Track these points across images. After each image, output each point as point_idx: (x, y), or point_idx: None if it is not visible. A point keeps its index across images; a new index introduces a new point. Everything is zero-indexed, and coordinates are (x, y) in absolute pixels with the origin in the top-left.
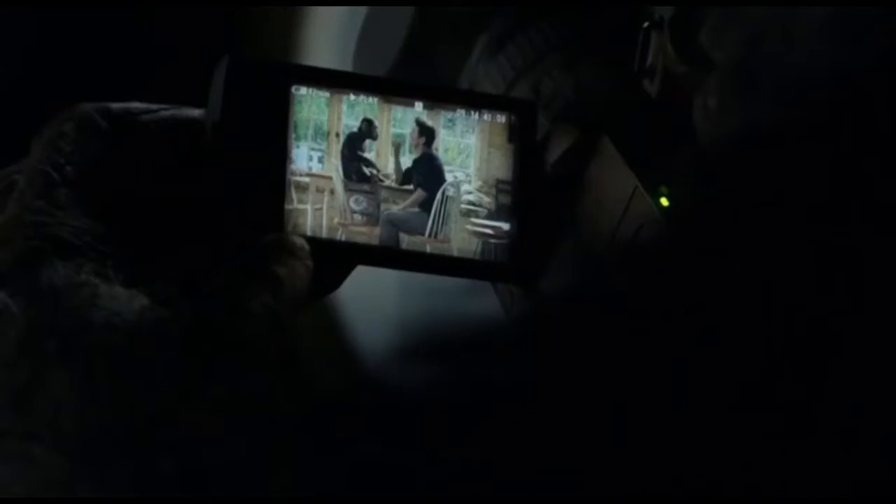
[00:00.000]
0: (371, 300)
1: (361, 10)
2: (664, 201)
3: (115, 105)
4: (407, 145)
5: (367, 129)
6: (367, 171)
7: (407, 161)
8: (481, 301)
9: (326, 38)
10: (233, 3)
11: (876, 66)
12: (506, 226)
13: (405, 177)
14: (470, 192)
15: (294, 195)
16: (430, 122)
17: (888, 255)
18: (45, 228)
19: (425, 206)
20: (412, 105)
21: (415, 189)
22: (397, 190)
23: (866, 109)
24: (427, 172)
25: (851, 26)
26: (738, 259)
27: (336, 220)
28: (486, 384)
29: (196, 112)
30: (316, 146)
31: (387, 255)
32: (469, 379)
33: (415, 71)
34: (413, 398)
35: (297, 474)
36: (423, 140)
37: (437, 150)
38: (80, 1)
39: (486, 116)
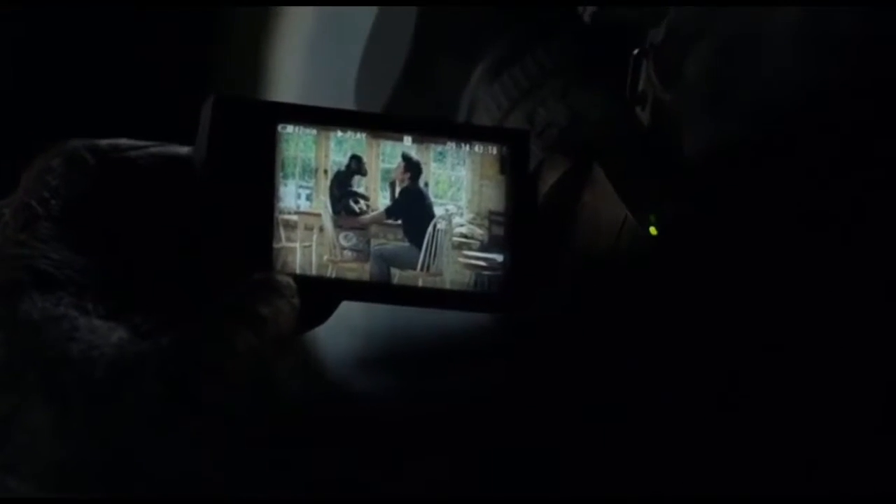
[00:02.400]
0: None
1: (361, 38)
2: (653, 230)
3: (104, 141)
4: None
5: (357, 166)
6: (356, 206)
7: (395, 195)
8: (446, 312)
9: (325, 68)
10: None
11: (848, 79)
12: (499, 257)
13: (391, 212)
14: (462, 225)
15: (282, 233)
16: (417, 157)
17: (875, 261)
18: (25, 261)
19: (416, 240)
20: (401, 139)
21: (402, 224)
22: (387, 225)
23: (843, 122)
24: (414, 207)
25: (823, 41)
26: (731, 280)
27: (326, 257)
28: (452, 394)
29: (184, 149)
30: (304, 184)
31: (379, 291)
32: (434, 389)
33: (415, 98)
34: (378, 408)
35: (272, 497)
36: (408, 175)
37: (426, 184)
38: (72, 38)
39: (478, 148)
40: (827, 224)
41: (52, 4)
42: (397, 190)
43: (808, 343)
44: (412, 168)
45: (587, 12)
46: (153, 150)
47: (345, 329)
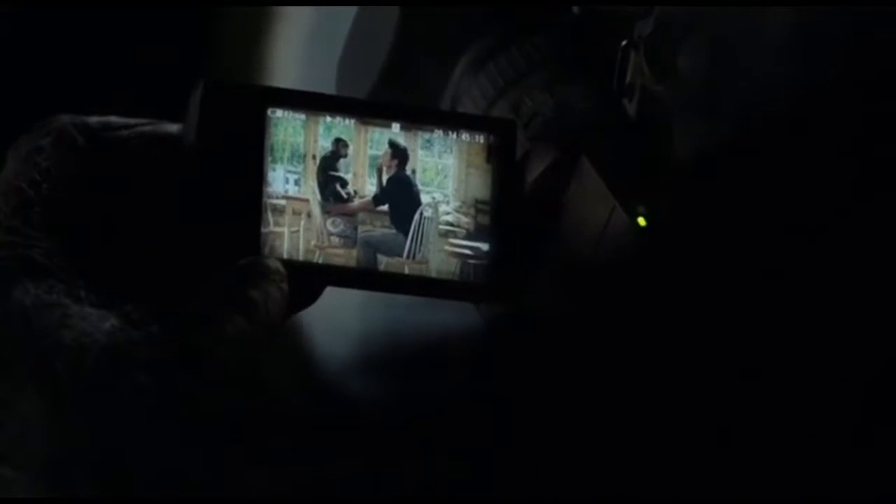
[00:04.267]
0: (332, 311)
1: (344, 28)
2: (641, 220)
3: (94, 119)
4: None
5: (338, 149)
6: (343, 192)
7: (382, 182)
8: (442, 314)
9: (308, 56)
10: (215, 16)
11: (840, 78)
12: (485, 246)
13: (379, 199)
14: (448, 213)
15: (270, 218)
16: (403, 143)
17: (864, 263)
18: (17, 249)
19: (402, 227)
20: (389, 126)
21: (389, 211)
22: (375, 212)
23: (835, 120)
24: (401, 193)
25: (815, 40)
26: (717, 272)
27: (313, 242)
28: (446, 397)
29: (174, 127)
30: (292, 169)
31: (365, 277)
32: (428, 391)
33: (397, 89)
34: (371, 410)
35: (263, 491)
36: (395, 161)
37: (413, 171)
38: (58, 10)
39: (465, 136)
40: (817, 222)
41: None
42: (385, 177)
43: (797, 342)
44: (399, 155)
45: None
46: (143, 128)
47: (340, 331)
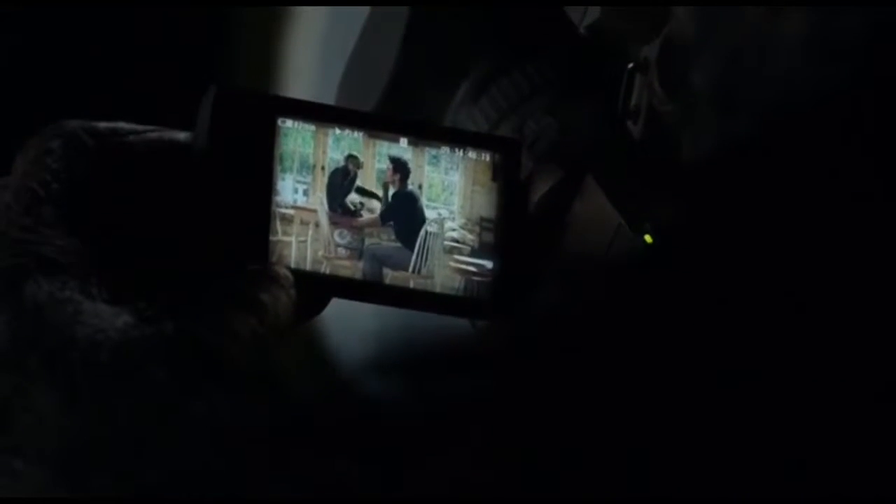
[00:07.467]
0: (349, 313)
1: (346, 51)
2: (648, 238)
3: (102, 124)
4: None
5: (346, 165)
6: (351, 204)
7: (388, 199)
8: (459, 318)
9: (309, 78)
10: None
11: (854, 83)
12: (489, 264)
13: (385, 216)
14: (454, 230)
15: (279, 227)
16: (410, 158)
17: (873, 271)
18: (30, 246)
19: (408, 242)
20: (397, 141)
21: (394, 226)
22: (382, 225)
23: (846, 129)
24: (405, 209)
25: (829, 45)
26: (726, 289)
27: (320, 252)
28: (462, 399)
29: (182, 135)
30: (301, 179)
31: (370, 290)
32: (445, 394)
33: (398, 112)
34: (389, 412)
35: (275, 489)
36: (398, 176)
37: (420, 186)
38: (67, 14)
39: (471, 154)
40: (832, 232)
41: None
42: (390, 192)
43: (808, 365)
44: (401, 169)
45: (585, 21)
46: (152, 135)
47: (357, 333)
